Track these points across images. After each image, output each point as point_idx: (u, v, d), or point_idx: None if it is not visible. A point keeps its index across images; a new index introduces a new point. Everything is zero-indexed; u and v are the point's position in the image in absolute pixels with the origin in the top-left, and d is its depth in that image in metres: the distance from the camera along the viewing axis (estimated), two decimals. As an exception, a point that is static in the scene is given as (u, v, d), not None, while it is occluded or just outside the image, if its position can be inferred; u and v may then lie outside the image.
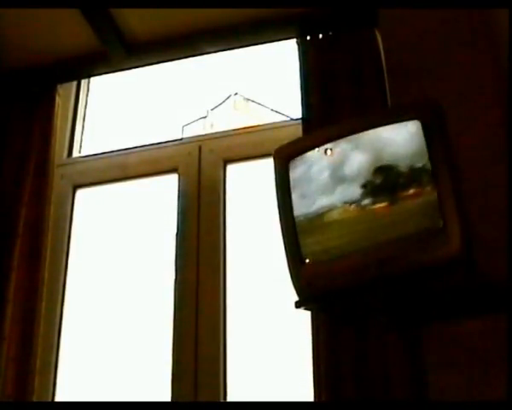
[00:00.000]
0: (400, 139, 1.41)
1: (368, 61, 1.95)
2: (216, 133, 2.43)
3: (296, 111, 2.06)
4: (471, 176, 1.53)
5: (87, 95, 2.61)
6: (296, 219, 1.51)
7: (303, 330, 1.80)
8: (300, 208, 1.51)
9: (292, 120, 2.24)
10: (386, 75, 1.87)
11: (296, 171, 1.54)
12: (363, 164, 1.44)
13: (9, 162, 2.25)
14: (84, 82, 2.59)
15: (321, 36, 2.06)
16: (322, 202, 1.49)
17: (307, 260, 1.49)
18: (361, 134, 1.48)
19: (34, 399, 1.99)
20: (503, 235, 1.49)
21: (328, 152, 1.52)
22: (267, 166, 1.63)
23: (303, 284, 1.49)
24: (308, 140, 1.71)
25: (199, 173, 2.23)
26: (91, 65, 2.39)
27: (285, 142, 1.60)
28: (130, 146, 2.40)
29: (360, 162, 1.45)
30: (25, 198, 2.16)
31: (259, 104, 16.19)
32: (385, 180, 1.41)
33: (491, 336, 1.49)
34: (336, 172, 1.49)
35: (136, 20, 2.20)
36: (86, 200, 2.38)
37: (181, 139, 2.38)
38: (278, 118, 2.80)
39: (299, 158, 1.55)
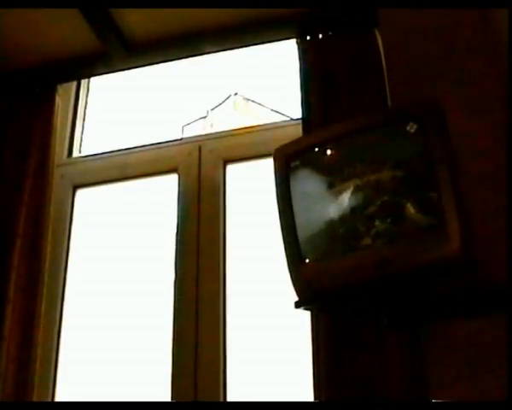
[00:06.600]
0: (400, 139, 1.41)
1: (368, 61, 1.95)
2: (216, 133, 2.43)
3: (296, 111, 2.06)
4: (471, 176, 1.53)
5: (87, 95, 2.61)
6: (296, 219, 1.51)
7: (303, 330, 1.80)
8: (300, 208, 1.51)
9: (292, 120, 2.24)
10: (386, 75, 1.87)
11: (296, 171, 1.54)
12: (362, 164, 1.44)
13: (9, 162, 2.25)
14: (84, 82, 2.59)
15: (321, 36, 2.06)
16: (322, 201, 1.49)
17: (307, 260, 1.49)
18: (361, 134, 1.48)
19: (34, 399, 1.99)
20: (503, 235, 1.49)
21: (328, 152, 1.52)
22: (267, 166, 1.63)
23: (303, 284, 1.48)
24: (308, 140, 1.71)
25: (199, 173, 2.23)
26: (91, 65, 2.39)
27: (285, 142, 1.60)
28: (130, 146, 2.40)
29: (360, 162, 1.45)
30: (25, 198, 2.16)
31: (259, 104, 16.20)
32: (385, 180, 1.41)
33: (491, 336, 1.49)
34: (336, 172, 1.48)
35: (136, 20, 2.20)
36: (86, 200, 2.38)
37: (181, 139, 2.38)
38: (278, 118, 2.80)
39: (299, 158, 1.55)
